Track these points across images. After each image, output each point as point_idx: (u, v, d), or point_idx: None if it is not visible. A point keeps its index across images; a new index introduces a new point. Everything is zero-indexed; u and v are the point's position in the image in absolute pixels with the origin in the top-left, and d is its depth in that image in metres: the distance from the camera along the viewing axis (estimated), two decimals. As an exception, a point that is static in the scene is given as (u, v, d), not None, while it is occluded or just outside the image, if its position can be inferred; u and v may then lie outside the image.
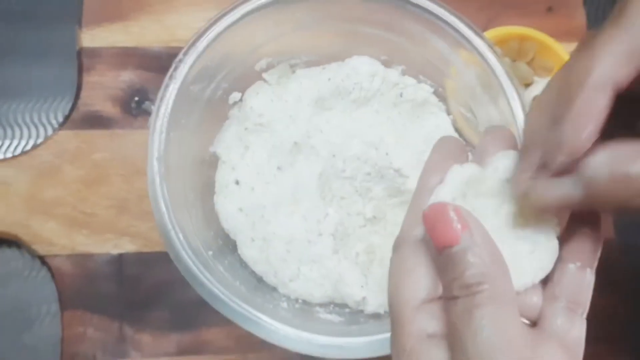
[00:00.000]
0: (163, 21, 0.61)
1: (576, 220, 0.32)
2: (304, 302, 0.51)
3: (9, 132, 0.60)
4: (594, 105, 0.27)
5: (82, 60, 0.59)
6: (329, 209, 0.52)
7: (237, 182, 0.52)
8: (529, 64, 0.60)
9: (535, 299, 0.32)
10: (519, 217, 0.32)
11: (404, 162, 0.51)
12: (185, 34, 0.58)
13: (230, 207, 0.52)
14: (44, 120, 0.60)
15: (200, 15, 0.58)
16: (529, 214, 0.32)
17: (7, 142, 0.60)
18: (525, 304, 0.31)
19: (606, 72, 0.27)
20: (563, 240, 0.32)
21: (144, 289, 0.56)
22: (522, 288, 0.31)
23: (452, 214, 0.28)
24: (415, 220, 0.31)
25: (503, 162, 0.32)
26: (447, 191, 0.32)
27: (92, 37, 0.60)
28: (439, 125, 0.54)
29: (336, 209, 0.52)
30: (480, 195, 0.32)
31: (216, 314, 0.43)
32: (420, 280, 0.30)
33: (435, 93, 0.54)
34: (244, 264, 0.52)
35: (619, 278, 0.57)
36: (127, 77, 0.59)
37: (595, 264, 0.32)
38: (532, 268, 0.31)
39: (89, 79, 0.59)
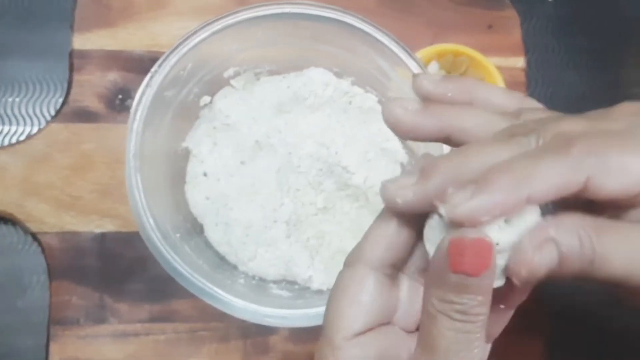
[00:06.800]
0: (147, 28, 0.62)
1: None
2: (260, 279, 0.54)
3: (6, 122, 0.62)
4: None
5: (73, 60, 0.61)
6: (285, 199, 0.54)
7: (205, 174, 0.55)
8: (461, 75, 0.62)
9: None
10: None
11: (351, 160, 0.54)
12: (166, 40, 0.61)
13: (198, 195, 0.54)
14: (38, 113, 0.62)
15: (181, 25, 0.61)
16: None
17: (4, 132, 0.62)
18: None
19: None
20: None
21: (122, 264, 0.58)
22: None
23: (492, 252, 0.26)
24: (384, 246, 0.30)
25: None
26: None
27: (83, 41, 0.61)
28: (381, 129, 0.55)
29: (292, 199, 0.54)
30: None
31: (184, 287, 0.45)
32: (360, 313, 0.30)
33: (379, 102, 0.56)
34: (209, 245, 0.54)
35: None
36: (112, 77, 0.61)
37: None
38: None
39: (78, 77, 0.61)
